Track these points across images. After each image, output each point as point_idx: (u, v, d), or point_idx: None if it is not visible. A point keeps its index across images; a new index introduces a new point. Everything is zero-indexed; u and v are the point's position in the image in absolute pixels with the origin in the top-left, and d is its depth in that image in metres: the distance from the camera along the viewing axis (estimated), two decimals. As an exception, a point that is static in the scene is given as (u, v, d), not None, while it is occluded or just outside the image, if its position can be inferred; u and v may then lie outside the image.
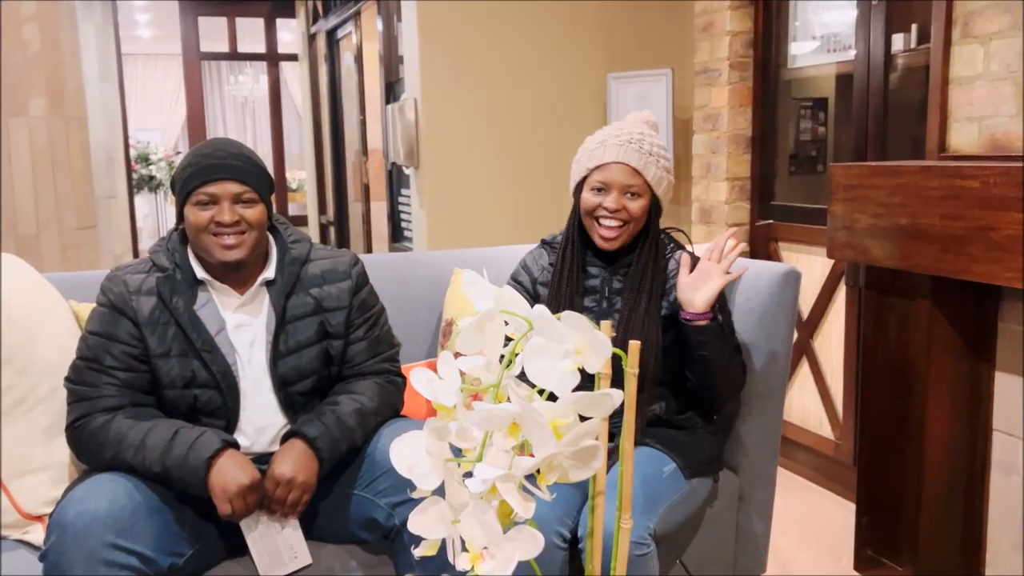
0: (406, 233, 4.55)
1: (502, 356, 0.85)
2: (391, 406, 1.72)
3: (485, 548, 0.77)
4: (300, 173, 9.47)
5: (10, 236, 3.02)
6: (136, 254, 6.32)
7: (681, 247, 1.92)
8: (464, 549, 0.80)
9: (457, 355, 0.88)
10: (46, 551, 1.41)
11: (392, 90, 4.62)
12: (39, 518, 1.60)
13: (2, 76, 2.99)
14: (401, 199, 4.65)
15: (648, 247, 1.84)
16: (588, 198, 1.82)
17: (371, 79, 5.40)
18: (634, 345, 0.80)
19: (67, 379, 1.60)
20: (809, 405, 3.08)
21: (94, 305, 1.69)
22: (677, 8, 3.78)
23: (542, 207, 3.64)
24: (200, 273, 1.65)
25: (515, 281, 1.95)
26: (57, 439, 1.64)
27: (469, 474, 0.84)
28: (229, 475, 1.49)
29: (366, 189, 5.64)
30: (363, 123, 5.49)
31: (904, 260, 1.95)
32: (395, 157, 4.13)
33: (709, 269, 1.79)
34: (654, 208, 1.84)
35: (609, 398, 0.73)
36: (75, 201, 3.14)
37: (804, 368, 3.08)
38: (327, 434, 1.58)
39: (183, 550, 1.51)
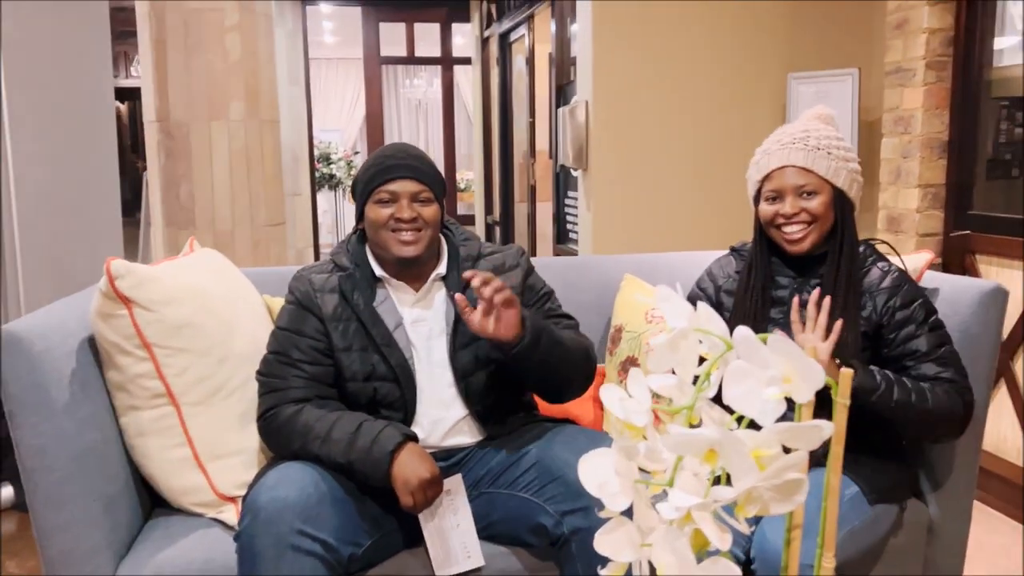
0: (571, 235, 4.55)
1: (695, 377, 0.82)
2: (590, 357, 1.76)
3: (677, 577, 0.74)
4: (468, 173, 9.70)
5: (209, 232, 3.25)
6: (316, 248, 6.68)
7: (883, 257, 1.80)
8: (652, 574, 0.77)
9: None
10: (240, 532, 1.50)
11: (563, 93, 4.64)
12: (232, 499, 1.70)
13: (205, 82, 3.22)
14: (567, 201, 4.66)
15: (843, 253, 1.73)
16: (765, 209, 1.78)
17: (541, 82, 5.45)
18: (846, 374, 0.74)
19: (259, 372, 1.70)
20: (1006, 431, 2.82)
21: (283, 301, 1.79)
22: (865, 5, 3.57)
23: (716, 213, 3.54)
24: (378, 271, 1.73)
25: (699, 288, 1.91)
26: (249, 426, 1.75)
27: (660, 495, 0.82)
28: (410, 468, 1.53)
29: (532, 190, 5.69)
30: (532, 125, 5.54)
31: None
32: (564, 159, 4.14)
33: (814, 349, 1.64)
34: (840, 204, 1.74)
35: (819, 430, 0.68)
36: (266, 199, 3.35)
37: (1001, 391, 2.83)
38: (539, 323, 1.63)
39: (362, 540, 1.57)
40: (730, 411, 0.79)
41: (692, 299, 1.92)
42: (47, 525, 1.56)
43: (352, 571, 1.59)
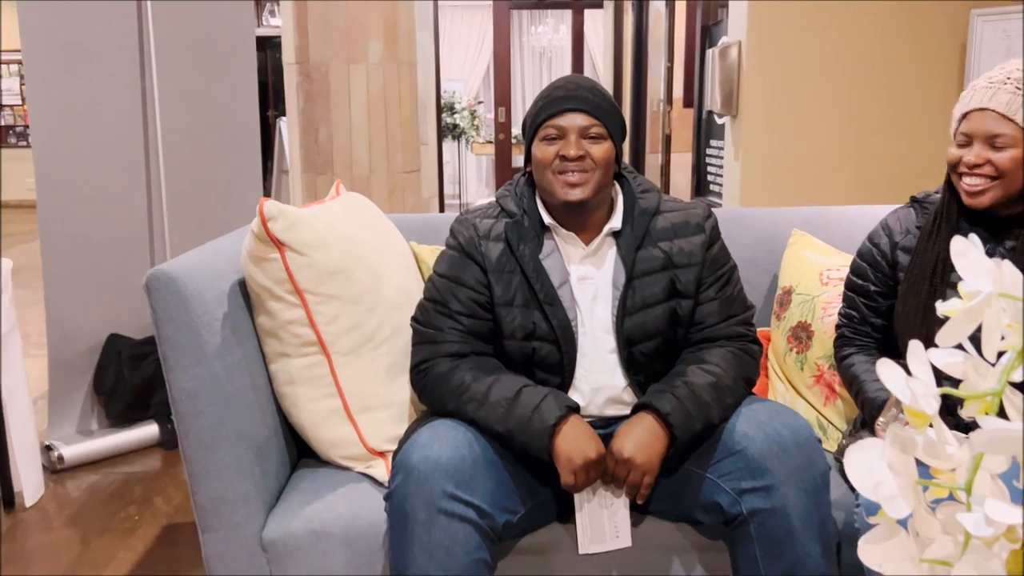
0: (712, 187, 4.31)
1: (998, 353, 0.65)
2: (747, 378, 1.56)
3: (988, 610, 0.58)
4: (593, 123, 9.42)
5: (346, 177, 3.20)
6: (442, 199, 6.62)
7: None
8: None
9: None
10: (391, 492, 1.41)
11: (709, 34, 4.36)
12: (381, 454, 1.63)
13: (345, 21, 3.14)
14: (709, 151, 4.41)
15: None
16: (952, 152, 1.54)
17: (681, 24, 5.16)
18: None
19: (414, 319, 1.61)
20: None
21: (436, 247, 1.68)
22: (1070, -72, 3.15)
23: (883, 165, 3.24)
24: (547, 219, 1.59)
25: (871, 243, 1.68)
26: (399, 378, 1.66)
27: (938, 499, 0.66)
28: (575, 446, 1.41)
29: (667, 139, 5.44)
30: (670, 71, 5.27)
31: None
32: (711, 105, 3.89)
33: None
34: None
35: None
36: (403, 145, 3.27)
37: None
38: (681, 409, 1.44)
39: (517, 508, 1.46)
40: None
41: (863, 255, 1.70)
42: (199, 470, 1.52)
43: (505, 539, 1.50)
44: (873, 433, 1.55)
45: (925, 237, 1.60)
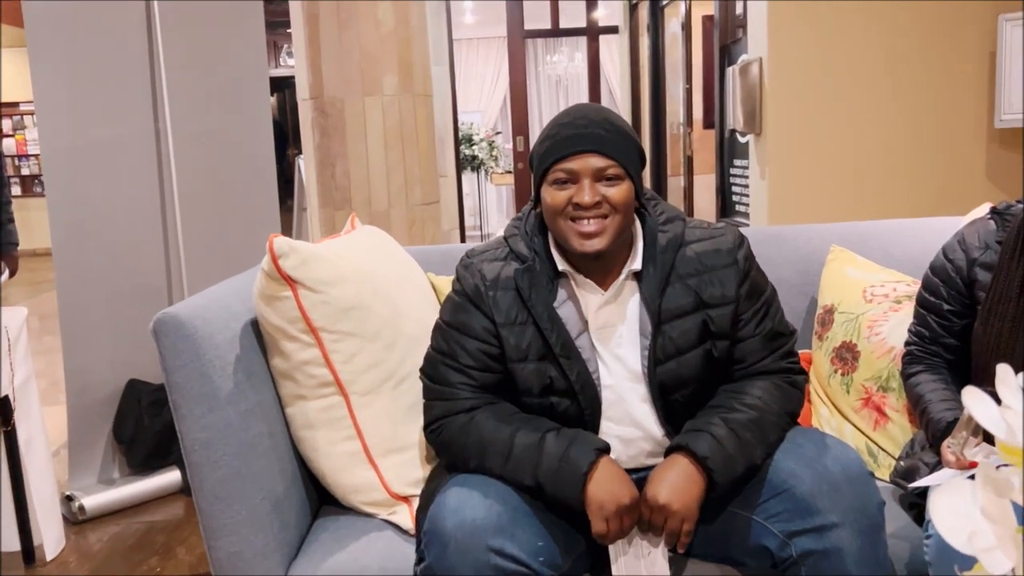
0: (738, 207, 4.22)
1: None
2: (792, 412, 1.44)
3: None
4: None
5: (364, 212, 3.15)
6: (463, 230, 6.58)
7: None
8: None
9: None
10: (429, 564, 1.29)
11: (728, 53, 4.29)
12: (406, 499, 1.55)
13: (358, 55, 3.11)
14: (734, 171, 4.33)
15: None
16: None
17: (698, 46, 5.11)
18: None
19: (423, 371, 1.50)
20: None
21: (451, 280, 1.60)
22: (1098, -73, 3.06)
23: (915, 176, 3.14)
24: (561, 265, 1.45)
25: (946, 258, 1.56)
26: (421, 418, 1.58)
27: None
28: (607, 491, 1.30)
29: (689, 161, 5.37)
30: (688, 92, 5.21)
31: None
32: (733, 124, 3.81)
33: None
34: None
35: None
36: (421, 177, 3.21)
37: None
38: (719, 452, 1.32)
39: (557, 560, 1.34)
40: None
41: (937, 270, 1.56)
42: (215, 524, 1.44)
43: (551, 596, 1.38)
44: (938, 455, 1.44)
45: (1008, 253, 1.46)
